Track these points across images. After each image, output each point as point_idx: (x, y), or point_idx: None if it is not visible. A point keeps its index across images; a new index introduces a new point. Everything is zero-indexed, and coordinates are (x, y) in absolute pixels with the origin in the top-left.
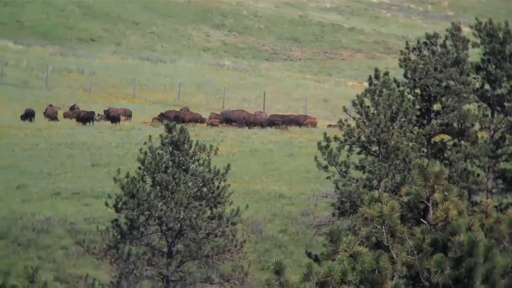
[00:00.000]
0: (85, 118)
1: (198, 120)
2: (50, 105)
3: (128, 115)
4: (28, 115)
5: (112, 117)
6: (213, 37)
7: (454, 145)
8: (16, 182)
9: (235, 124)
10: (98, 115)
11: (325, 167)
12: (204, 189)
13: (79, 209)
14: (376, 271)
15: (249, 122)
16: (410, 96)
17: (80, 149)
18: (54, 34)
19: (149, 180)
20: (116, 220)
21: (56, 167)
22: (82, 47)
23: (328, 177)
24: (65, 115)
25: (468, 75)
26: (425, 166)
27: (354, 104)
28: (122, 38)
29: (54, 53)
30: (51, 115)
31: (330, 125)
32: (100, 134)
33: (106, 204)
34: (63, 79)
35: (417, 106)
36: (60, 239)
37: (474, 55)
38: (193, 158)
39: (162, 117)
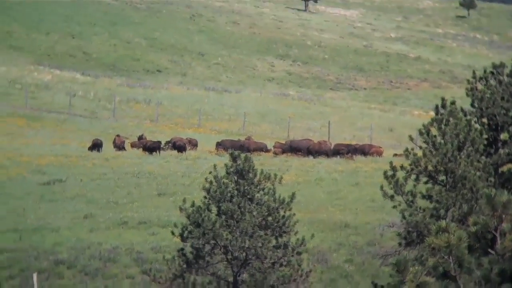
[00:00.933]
0: (152, 147)
1: (263, 149)
2: (118, 135)
3: (194, 144)
4: (96, 146)
5: (178, 146)
6: (278, 67)
7: None
8: (83, 212)
9: (300, 153)
10: (165, 144)
11: (391, 197)
12: (269, 218)
13: (146, 238)
14: None
15: (314, 151)
16: (477, 125)
17: (146, 178)
18: (121, 66)
19: (214, 209)
20: (182, 249)
21: (123, 196)
22: (149, 78)
23: (394, 207)
24: (132, 145)
25: None
26: (492, 196)
27: (420, 133)
28: (188, 69)
29: (121, 84)
30: (118, 145)
31: (395, 154)
32: (166, 163)
33: (172, 233)
34: (130, 109)
35: (484, 136)
36: (126, 268)
37: None
38: (258, 187)
39: (218, 145)
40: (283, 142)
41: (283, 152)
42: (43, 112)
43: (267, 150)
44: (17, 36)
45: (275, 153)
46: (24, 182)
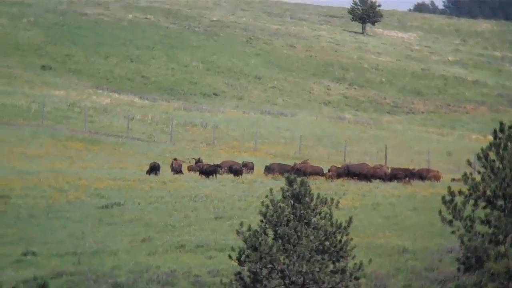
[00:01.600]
0: (209, 171)
1: (319, 173)
2: (175, 159)
3: (250, 168)
4: (153, 169)
5: (234, 170)
6: (334, 90)
7: None
8: (141, 235)
9: (356, 177)
10: (221, 168)
11: (450, 222)
12: (327, 243)
13: (203, 262)
14: None
15: (370, 175)
16: None
17: (203, 202)
18: (179, 89)
19: (271, 233)
20: (239, 273)
21: (180, 219)
22: (206, 102)
23: (452, 232)
24: (189, 169)
25: None
26: None
27: (478, 158)
28: (245, 92)
29: (178, 108)
30: (175, 169)
31: (453, 179)
32: (223, 187)
33: (230, 257)
34: (187, 133)
35: None
36: None
37: None
38: (314, 211)
39: (267, 169)
40: (339, 166)
41: (338, 176)
42: (102, 136)
43: (323, 174)
44: (76, 60)
45: (330, 177)
46: (83, 205)
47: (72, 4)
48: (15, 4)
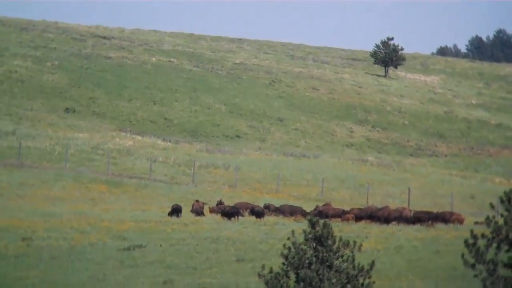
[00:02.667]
0: (230, 213)
1: (341, 215)
2: (197, 201)
3: (273, 210)
4: (175, 211)
5: (256, 212)
6: (357, 133)
7: None
8: (162, 277)
9: (378, 221)
10: (243, 210)
11: (473, 265)
12: (348, 286)
13: None
14: None
15: (392, 218)
16: None
17: (225, 244)
18: (201, 131)
19: (292, 276)
20: None
21: (202, 262)
22: (228, 144)
23: (475, 275)
24: (211, 211)
25: None
26: None
27: (501, 201)
28: (267, 134)
29: (200, 150)
30: (197, 211)
31: (476, 222)
32: (244, 229)
33: None
34: (209, 175)
35: None
36: None
37: None
38: (336, 254)
39: (277, 211)
40: (361, 208)
41: (357, 219)
42: (124, 178)
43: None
44: (100, 103)
45: (346, 219)
46: (105, 247)
47: (96, 48)
48: (39, 48)
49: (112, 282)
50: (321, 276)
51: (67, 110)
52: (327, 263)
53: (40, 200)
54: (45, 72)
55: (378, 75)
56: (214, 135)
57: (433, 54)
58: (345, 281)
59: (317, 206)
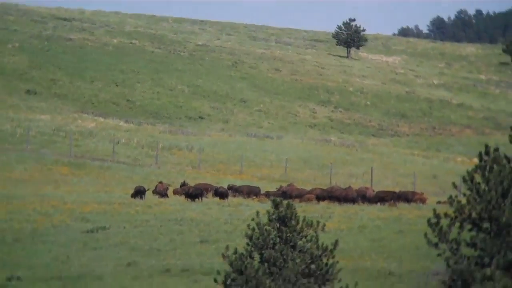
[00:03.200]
0: (194, 194)
1: (304, 195)
2: (160, 182)
3: (233, 190)
4: (139, 193)
5: (220, 193)
6: (320, 114)
7: None
8: (126, 259)
9: (341, 200)
10: (206, 191)
11: (436, 244)
12: (312, 266)
13: (189, 286)
14: None
15: (356, 198)
16: None
17: (189, 225)
18: (164, 113)
19: (257, 256)
20: None
21: (166, 243)
22: (191, 125)
23: (438, 255)
24: (175, 192)
25: None
26: None
27: (464, 180)
28: (230, 115)
29: (164, 131)
30: (161, 192)
31: (439, 202)
32: (208, 210)
33: (215, 281)
34: (173, 156)
35: None
36: None
37: None
38: (300, 234)
39: (236, 191)
40: (323, 188)
41: (319, 199)
42: (87, 160)
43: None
44: (62, 85)
45: (306, 200)
46: (68, 229)
47: (57, 30)
48: None
49: (75, 264)
50: (285, 257)
51: (28, 92)
52: (291, 244)
53: (2, 182)
54: (6, 54)
55: (340, 56)
56: (177, 117)
57: (394, 35)
58: (309, 261)
59: (280, 187)
